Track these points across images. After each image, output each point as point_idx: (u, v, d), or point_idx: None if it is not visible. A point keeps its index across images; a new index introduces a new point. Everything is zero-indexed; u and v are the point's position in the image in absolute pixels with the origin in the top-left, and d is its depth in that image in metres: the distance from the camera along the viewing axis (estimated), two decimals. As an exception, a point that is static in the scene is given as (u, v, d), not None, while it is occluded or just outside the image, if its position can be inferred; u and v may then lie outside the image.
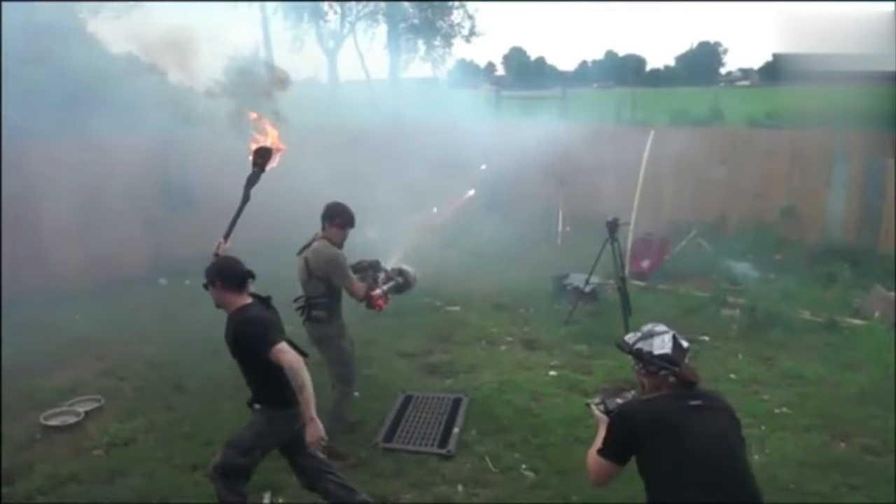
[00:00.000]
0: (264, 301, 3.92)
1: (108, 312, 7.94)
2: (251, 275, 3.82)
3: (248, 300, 3.83)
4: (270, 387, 3.86)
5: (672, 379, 2.77)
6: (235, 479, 3.85)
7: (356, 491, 4.21)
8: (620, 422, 2.80)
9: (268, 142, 4.57)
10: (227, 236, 4.37)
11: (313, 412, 3.60)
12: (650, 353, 2.82)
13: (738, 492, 2.61)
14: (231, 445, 3.89)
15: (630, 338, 2.94)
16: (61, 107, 9.10)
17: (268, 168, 4.49)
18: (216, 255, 4.24)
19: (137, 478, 4.87)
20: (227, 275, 3.79)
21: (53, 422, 5.67)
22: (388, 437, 5.40)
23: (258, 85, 5.06)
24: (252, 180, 4.47)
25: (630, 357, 2.93)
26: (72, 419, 5.72)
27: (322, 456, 4.18)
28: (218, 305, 3.87)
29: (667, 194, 11.29)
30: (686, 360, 2.83)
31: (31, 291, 8.21)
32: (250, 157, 4.49)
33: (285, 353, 3.60)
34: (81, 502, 4.64)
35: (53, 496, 4.69)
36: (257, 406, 3.91)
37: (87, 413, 5.80)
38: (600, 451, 2.83)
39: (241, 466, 3.85)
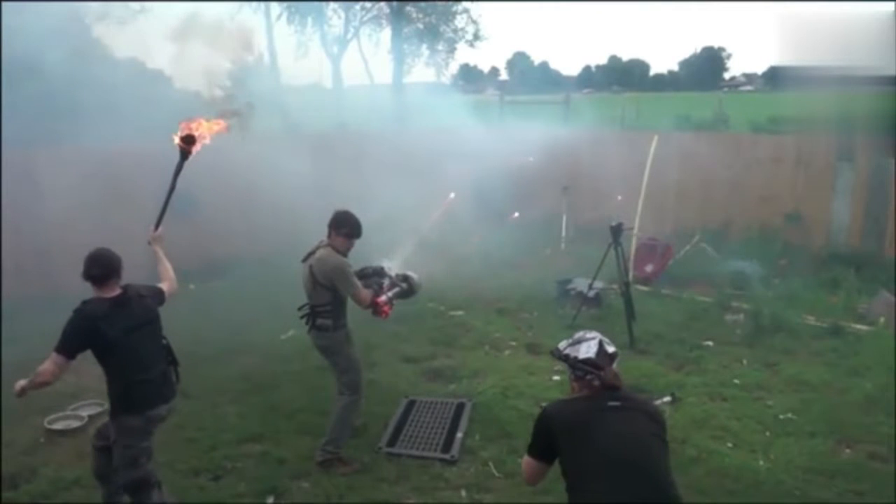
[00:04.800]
0: (121, 297, 3.87)
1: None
2: (96, 277, 3.83)
3: (109, 293, 3.85)
4: (110, 389, 3.91)
5: (597, 383, 2.86)
6: (146, 489, 3.93)
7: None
8: (540, 421, 2.93)
9: (202, 129, 4.49)
10: (157, 225, 4.44)
11: (24, 384, 3.66)
12: (576, 358, 2.92)
13: (648, 492, 2.63)
14: (118, 469, 3.95)
15: (563, 344, 3.04)
16: (65, 112, 9.12)
17: (193, 152, 4.42)
18: (149, 242, 4.38)
19: (141, 482, 4.87)
20: (85, 269, 3.85)
21: (57, 426, 5.67)
22: (392, 441, 5.39)
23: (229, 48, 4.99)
24: (178, 169, 4.43)
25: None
26: (75, 423, 5.73)
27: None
28: None
29: (671, 199, 11.28)
30: (613, 365, 2.91)
31: (34, 296, 8.23)
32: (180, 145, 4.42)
33: (47, 360, 3.65)
34: (84, 506, 4.64)
35: (57, 500, 4.68)
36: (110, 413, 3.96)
37: (90, 417, 5.80)
38: (528, 450, 2.98)
39: (146, 477, 3.91)
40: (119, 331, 3.78)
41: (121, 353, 3.79)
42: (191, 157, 4.39)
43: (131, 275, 4.10)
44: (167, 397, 4.02)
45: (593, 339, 2.97)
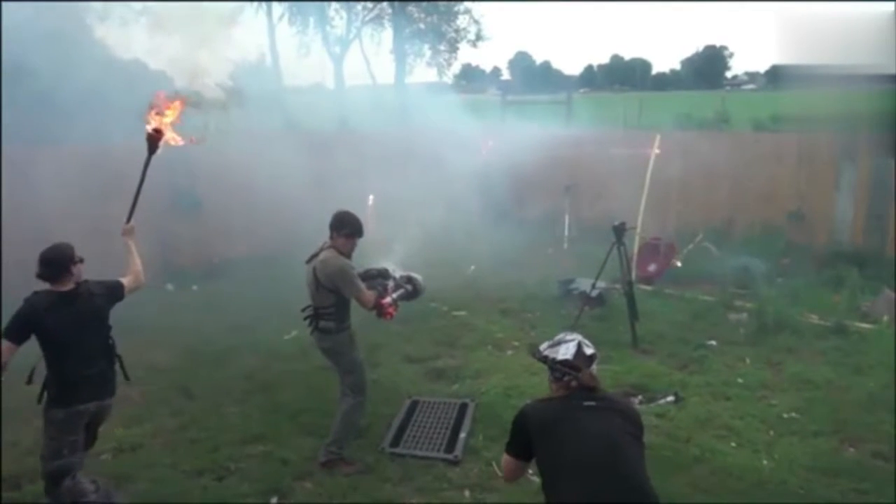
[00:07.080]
0: (70, 293, 3.99)
1: (114, 317, 7.92)
2: (46, 276, 3.98)
3: (60, 288, 3.98)
4: (46, 379, 4.00)
5: (574, 383, 2.89)
6: (62, 480, 3.95)
7: None
8: (516, 420, 2.97)
9: (162, 121, 4.56)
10: (128, 218, 4.55)
11: None
12: (554, 359, 2.96)
13: (621, 491, 2.64)
14: (43, 457, 4.05)
15: (543, 346, 3.08)
16: (67, 111, 9.13)
17: (161, 146, 4.51)
18: (122, 235, 4.51)
19: (144, 483, 4.88)
20: (37, 269, 4.01)
21: (61, 427, 5.66)
22: (395, 442, 5.39)
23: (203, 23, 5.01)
24: (147, 162, 4.51)
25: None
26: (79, 424, 5.72)
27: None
28: None
29: (673, 198, 11.27)
30: (592, 367, 2.95)
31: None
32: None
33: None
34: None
35: (61, 501, 4.70)
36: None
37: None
38: (506, 447, 3.02)
39: (63, 467, 3.96)
40: (60, 324, 3.92)
41: (59, 346, 3.94)
42: (160, 149, 4.50)
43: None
44: (101, 395, 4.12)
45: (572, 340, 3.01)
